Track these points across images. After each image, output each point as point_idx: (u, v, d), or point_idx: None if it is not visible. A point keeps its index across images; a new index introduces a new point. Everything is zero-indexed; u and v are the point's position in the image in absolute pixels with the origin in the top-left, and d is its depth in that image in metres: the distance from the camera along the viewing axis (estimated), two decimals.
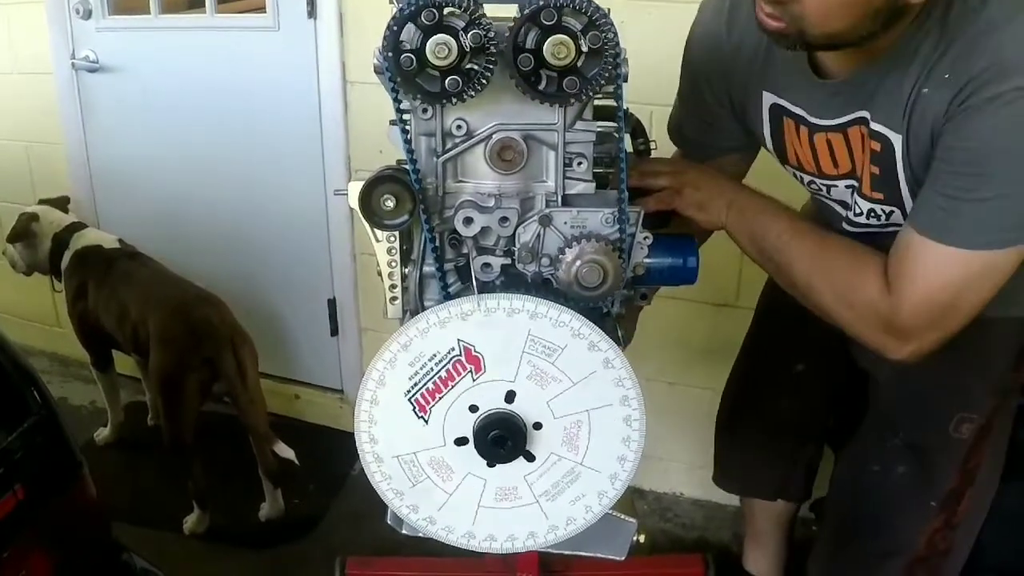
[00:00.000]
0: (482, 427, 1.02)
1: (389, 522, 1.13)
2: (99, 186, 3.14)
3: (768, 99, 1.35)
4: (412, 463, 1.06)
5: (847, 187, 1.33)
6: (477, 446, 1.03)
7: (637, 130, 1.28)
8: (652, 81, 1.59)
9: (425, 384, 1.02)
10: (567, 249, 0.99)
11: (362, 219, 0.98)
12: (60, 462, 1.54)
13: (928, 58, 1.11)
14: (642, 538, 1.21)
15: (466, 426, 1.03)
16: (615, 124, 1.03)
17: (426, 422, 1.03)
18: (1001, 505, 1.65)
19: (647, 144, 1.29)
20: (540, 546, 1.11)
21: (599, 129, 1.01)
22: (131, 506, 2.44)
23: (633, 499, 1.18)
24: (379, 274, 1.06)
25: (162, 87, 2.88)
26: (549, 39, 0.89)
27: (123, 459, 2.82)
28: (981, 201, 1.09)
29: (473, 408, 1.02)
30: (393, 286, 1.06)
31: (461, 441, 1.04)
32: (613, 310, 1.10)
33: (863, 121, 1.22)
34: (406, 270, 1.06)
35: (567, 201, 1.02)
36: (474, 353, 1.00)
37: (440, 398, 1.02)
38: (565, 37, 0.89)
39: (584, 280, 0.98)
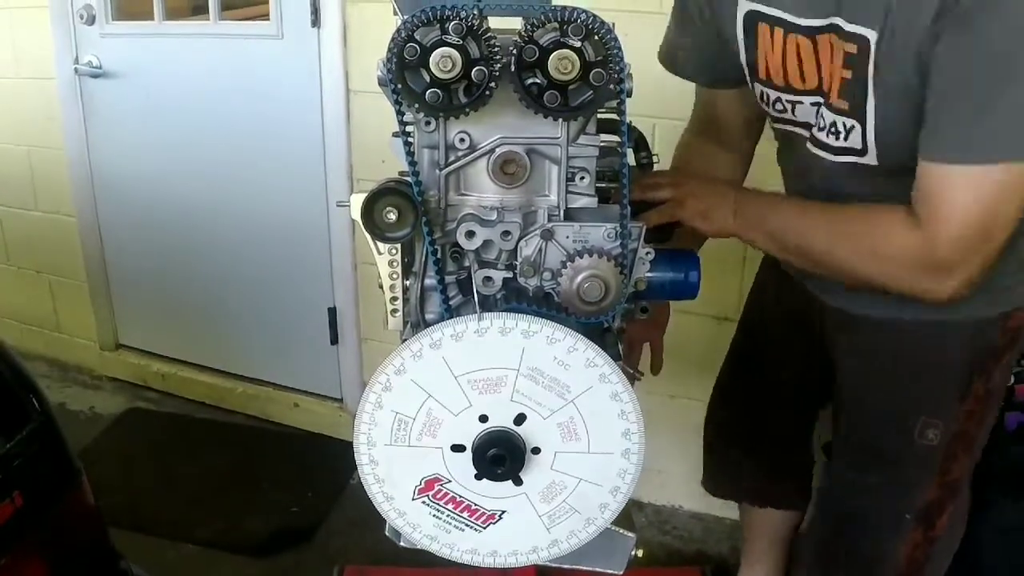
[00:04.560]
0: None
1: (388, 534, 1.13)
2: (101, 192, 3.14)
3: (743, 7, 1.31)
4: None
5: (812, 104, 1.30)
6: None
7: (640, 144, 1.29)
8: (655, 94, 1.59)
9: (458, 517, 1.08)
10: (569, 263, 0.99)
11: (364, 231, 0.98)
12: (58, 469, 1.54)
13: None
14: (640, 553, 1.21)
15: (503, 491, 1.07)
16: (618, 138, 1.03)
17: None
18: (1000, 519, 1.65)
19: (650, 158, 1.30)
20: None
21: (602, 143, 1.01)
22: (129, 513, 2.44)
23: (631, 512, 1.18)
24: (380, 286, 1.06)
25: (165, 93, 2.88)
26: (554, 54, 0.89)
27: (121, 466, 2.81)
28: (996, 109, 1.05)
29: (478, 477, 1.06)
30: (394, 298, 1.06)
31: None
32: (614, 325, 1.10)
33: (836, 29, 1.18)
34: (407, 282, 1.06)
35: (569, 215, 1.02)
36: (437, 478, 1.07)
37: (473, 508, 1.08)
38: (570, 52, 0.89)
39: (585, 295, 0.98)
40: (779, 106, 1.36)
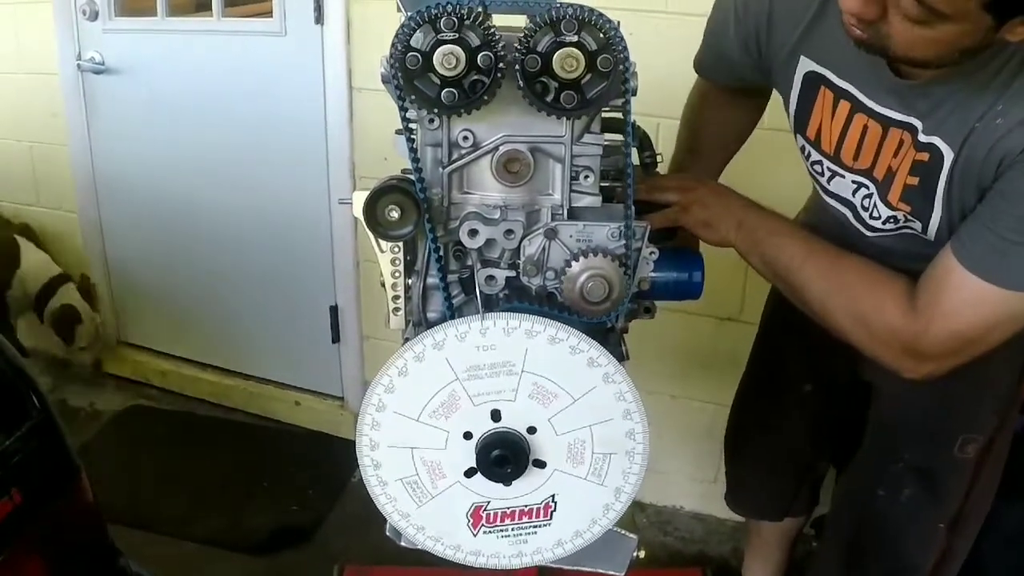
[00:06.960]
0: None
1: (388, 534, 1.13)
2: (103, 188, 3.13)
3: (806, 65, 1.26)
4: None
5: (853, 182, 1.27)
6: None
7: (644, 143, 1.28)
8: (659, 94, 1.59)
9: (521, 526, 1.08)
10: (572, 263, 0.98)
11: (366, 229, 0.97)
12: (57, 466, 1.53)
13: (1007, 83, 1.05)
14: (642, 554, 1.20)
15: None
16: (622, 137, 1.02)
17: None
18: (1003, 524, 1.65)
19: (654, 157, 1.29)
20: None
21: (606, 142, 1.01)
22: (129, 510, 2.43)
23: (633, 513, 1.18)
24: (382, 284, 1.06)
25: (167, 90, 2.88)
26: (559, 51, 0.88)
27: (121, 463, 2.81)
28: None
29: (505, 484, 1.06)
30: (396, 297, 1.05)
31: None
32: (617, 324, 1.09)
33: (911, 129, 1.16)
34: (409, 281, 1.05)
35: (573, 214, 1.01)
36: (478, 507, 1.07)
37: (526, 510, 1.07)
38: (575, 50, 0.88)
39: (589, 294, 0.97)
40: (818, 168, 1.34)
